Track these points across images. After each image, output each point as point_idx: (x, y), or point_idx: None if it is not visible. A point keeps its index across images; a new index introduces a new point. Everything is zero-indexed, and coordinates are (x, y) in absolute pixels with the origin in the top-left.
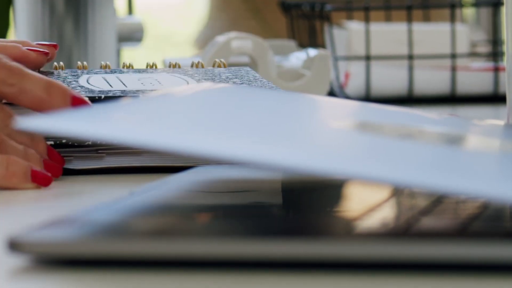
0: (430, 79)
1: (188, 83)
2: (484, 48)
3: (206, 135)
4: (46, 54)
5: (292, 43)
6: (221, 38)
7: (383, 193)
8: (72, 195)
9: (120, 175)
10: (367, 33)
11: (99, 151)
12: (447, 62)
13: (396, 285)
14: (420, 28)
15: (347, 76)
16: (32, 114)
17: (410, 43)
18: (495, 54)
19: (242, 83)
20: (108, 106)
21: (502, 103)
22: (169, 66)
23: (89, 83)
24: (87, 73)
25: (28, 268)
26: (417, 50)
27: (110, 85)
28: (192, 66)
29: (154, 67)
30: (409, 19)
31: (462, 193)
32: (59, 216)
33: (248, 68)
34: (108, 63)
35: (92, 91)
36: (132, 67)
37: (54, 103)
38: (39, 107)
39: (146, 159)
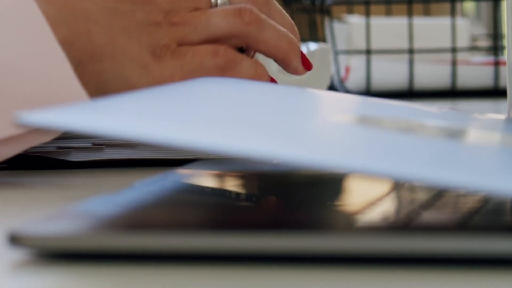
0: (431, 73)
1: None
2: (484, 42)
3: (206, 128)
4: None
5: None
6: None
7: (383, 187)
8: (72, 188)
9: (119, 168)
10: (368, 27)
11: (97, 144)
12: (448, 56)
13: (397, 279)
14: (420, 22)
15: (347, 70)
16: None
17: (411, 37)
18: (496, 48)
19: None
20: (108, 100)
21: (502, 97)
22: None
23: None
24: None
25: (29, 262)
26: (417, 44)
27: None
28: None
29: None
30: (410, 13)
31: (462, 187)
32: (59, 209)
33: None
34: None
35: None
36: None
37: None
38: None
39: (146, 152)
